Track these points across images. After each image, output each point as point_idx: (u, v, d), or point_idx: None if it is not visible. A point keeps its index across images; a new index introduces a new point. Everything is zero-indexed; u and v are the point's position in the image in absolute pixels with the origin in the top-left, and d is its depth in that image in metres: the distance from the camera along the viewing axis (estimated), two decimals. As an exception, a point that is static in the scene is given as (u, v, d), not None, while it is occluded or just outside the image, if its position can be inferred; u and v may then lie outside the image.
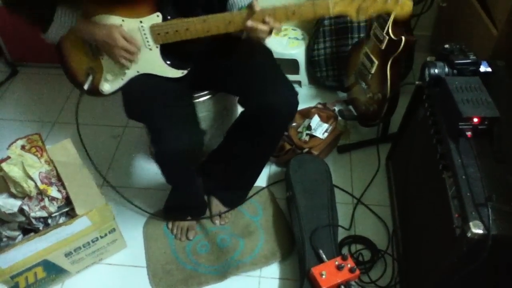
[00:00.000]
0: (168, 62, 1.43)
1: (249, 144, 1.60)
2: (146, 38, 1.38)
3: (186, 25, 1.32)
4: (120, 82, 1.47)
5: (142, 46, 1.39)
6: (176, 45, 1.38)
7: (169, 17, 1.34)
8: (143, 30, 1.36)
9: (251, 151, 1.64)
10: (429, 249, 1.35)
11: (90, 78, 1.45)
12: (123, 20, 1.35)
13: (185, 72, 1.45)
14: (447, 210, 1.17)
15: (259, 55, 1.55)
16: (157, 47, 1.40)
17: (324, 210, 1.65)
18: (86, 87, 1.45)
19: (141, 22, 1.35)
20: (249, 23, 1.26)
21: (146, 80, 1.45)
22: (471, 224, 1.05)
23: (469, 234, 1.04)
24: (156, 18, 1.34)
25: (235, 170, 1.72)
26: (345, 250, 1.67)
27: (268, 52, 1.57)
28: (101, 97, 1.53)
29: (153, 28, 1.36)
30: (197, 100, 1.67)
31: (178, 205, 1.77)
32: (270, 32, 1.29)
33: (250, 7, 1.27)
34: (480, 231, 1.04)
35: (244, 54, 1.53)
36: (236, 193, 1.83)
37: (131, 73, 1.45)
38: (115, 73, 1.46)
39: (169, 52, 1.42)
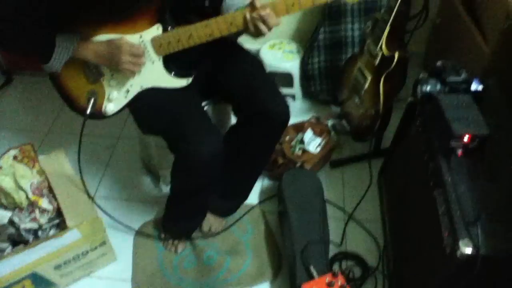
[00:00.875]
0: (173, 73, 1.43)
1: (243, 153, 1.61)
2: (148, 51, 1.38)
3: (188, 32, 1.32)
4: (124, 100, 1.47)
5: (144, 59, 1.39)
6: (178, 54, 1.38)
7: (169, 28, 1.35)
8: (144, 44, 1.36)
9: (245, 160, 1.65)
10: (420, 267, 1.35)
11: (92, 101, 1.44)
12: (122, 37, 1.35)
13: (190, 79, 1.45)
14: (438, 227, 1.17)
15: (251, 66, 1.56)
16: (159, 59, 1.40)
17: (315, 225, 1.64)
18: (88, 111, 1.43)
19: (141, 36, 1.35)
20: (250, 15, 1.27)
21: (153, 93, 1.45)
22: (460, 243, 1.05)
23: (458, 253, 1.04)
24: (156, 30, 1.35)
25: (230, 179, 1.71)
26: (336, 267, 1.66)
27: (259, 63, 1.59)
28: (103, 119, 1.51)
29: (154, 40, 1.36)
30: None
31: (179, 218, 1.72)
32: (270, 27, 1.29)
33: (251, 4, 1.27)
34: (470, 251, 1.03)
35: (236, 64, 1.54)
36: (229, 202, 1.82)
37: (135, 89, 1.45)
38: (118, 92, 1.45)
39: (172, 62, 1.42)
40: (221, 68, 1.53)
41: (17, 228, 1.53)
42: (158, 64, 1.40)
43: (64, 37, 1.32)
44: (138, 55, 1.35)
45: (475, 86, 1.37)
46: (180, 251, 1.73)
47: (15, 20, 1.25)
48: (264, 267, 1.67)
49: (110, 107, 1.48)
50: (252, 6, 1.27)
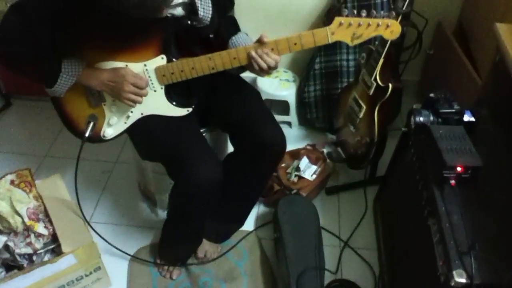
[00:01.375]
0: (174, 103, 1.45)
1: (240, 180, 1.63)
2: (151, 80, 1.41)
3: (192, 64, 1.36)
4: (123, 126, 1.49)
5: (146, 88, 1.41)
6: (180, 84, 1.41)
7: (174, 59, 1.38)
8: (148, 72, 1.39)
9: (241, 187, 1.66)
10: (415, 295, 1.35)
11: (91, 125, 1.45)
12: (126, 65, 1.38)
13: (191, 109, 1.47)
14: (432, 256, 1.18)
15: (248, 96, 1.59)
16: (161, 88, 1.43)
17: (311, 253, 1.65)
18: (87, 134, 1.45)
19: (145, 65, 1.38)
20: (255, 51, 1.31)
21: (152, 120, 1.47)
22: (454, 273, 1.06)
23: (452, 283, 1.05)
24: (160, 60, 1.38)
25: (226, 205, 1.72)
26: (331, 294, 1.66)
27: (257, 93, 1.62)
28: (101, 143, 1.53)
29: (158, 70, 1.38)
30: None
31: (175, 244, 1.72)
32: (271, 66, 1.34)
33: (259, 40, 1.32)
34: (463, 280, 1.05)
35: (234, 94, 1.57)
36: (225, 228, 1.83)
37: (135, 115, 1.47)
38: (118, 117, 1.48)
39: (173, 91, 1.45)
40: (218, 98, 1.56)
41: (12, 253, 1.52)
42: (160, 93, 1.43)
43: (70, 63, 1.35)
44: (141, 87, 1.38)
45: (468, 117, 1.40)
46: (176, 277, 1.72)
47: (21, 44, 1.27)
48: (259, 294, 1.67)
49: (109, 132, 1.50)
50: (259, 42, 1.32)
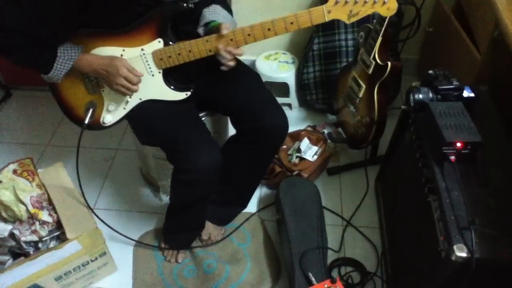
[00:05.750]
0: (172, 87, 1.45)
1: (242, 163, 1.64)
2: (148, 64, 1.40)
3: (188, 47, 1.35)
4: (122, 112, 1.49)
5: (144, 73, 1.41)
6: (178, 68, 1.41)
7: (170, 43, 1.37)
8: (145, 57, 1.39)
9: (244, 170, 1.67)
10: (417, 271, 1.37)
11: (90, 112, 1.45)
12: (123, 50, 1.38)
13: (189, 93, 1.47)
14: (433, 232, 1.19)
15: (249, 79, 1.59)
16: (159, 72, 1.43)
17: (313, 233, 1.66)
18: (87, 121, 1.45)
19: (142, 49, 1.38)
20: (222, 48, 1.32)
21: (151, 105, 1.47)
22: (455, 247, 1.07)
23: (453, 257, 1.06)
24: (157, 44, 1.37)
25: (228, 188, 1.73)
26: (334, 273, 1.68)
27: (257, 76, 1.61)
28: (101, 130, 1.53)
29: (155, 54, 1.38)
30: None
31: (179, 229, 1.74)
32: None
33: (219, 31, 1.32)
34: (464, 255, 1.05)
35: (234, 78, 1.56)
36: (228, 211, 1.84)
37: (133, 101, 1.47)
38: (117, 103, 1.48)
39: (171, 76, 1.45)
40: (219, 82, 1.55)
41: (18, 241, 1.54)
42: (158, 77, 1.43)
43: (66, 48, 1.34)
44: (132, 82, 1.38)
45: (467, 94, 1.40)
46: (181, 260, 1.74)
47: (16, 30, 1.27)
48: (264, 274, 1.69)
49: (109, 118, 1.50)
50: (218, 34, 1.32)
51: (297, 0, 2.21)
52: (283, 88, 2.30)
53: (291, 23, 1.30)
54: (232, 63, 1.37)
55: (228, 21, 1.43)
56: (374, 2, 1.26)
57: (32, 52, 1.33)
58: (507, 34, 1.35)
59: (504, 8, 1.44)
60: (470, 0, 1.90)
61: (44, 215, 1.56)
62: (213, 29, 1.39)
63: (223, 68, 1.38)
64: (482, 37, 1.70)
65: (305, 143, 2.01)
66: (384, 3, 1.27)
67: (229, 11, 1.52)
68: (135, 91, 1.41)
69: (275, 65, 2.29)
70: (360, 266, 1.69)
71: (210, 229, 1.79)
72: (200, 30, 1.43)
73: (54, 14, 1.27)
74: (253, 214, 1.89)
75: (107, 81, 1.40)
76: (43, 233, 1.56)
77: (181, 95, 1.46)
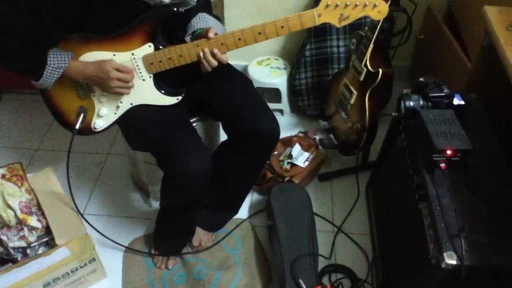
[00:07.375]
0: (163, 91, 1.45)
1: (234, 169, 1.64)
2: (139, 69, 1.40)
3: (179, 51, 1.35)
4: (113, 117, 1.48)
5: (135, 77, 1.41)
6: (169, 73, 1.40)
7: (161, 47, 1.37)
8: (135, 61, 1.38)
9: (235, 176, 1.67)
10: (408, 278, 1.37)
11: (81, 117, 1.44)
12: (114, 55, 1.37)
13: (180, 98, 1.46)
14: (424, 240, 1.19)
15: (240, 84, 1.58)
16: (150, 77, 1.42)
17: (304, 239, 1.66)
18: (78, 126, 1.44)
19: (133, 54, 1.37)
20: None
21: (142, 110, 1.46)
22: (445, 254, 1.07)
23: (443, 265, 1.06)
24: (148, 48, 1.37)
25: (220, 193, 1.73)
26: (325, 279, 1.68)
27: (249, 81, 1.61)
28: (92, 135, 1.52)
29: (146, 58, 1.37)
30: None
31: (169, 235, 1.73)
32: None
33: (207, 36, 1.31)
34: (454, 262, 1.06)
35: (226, 83, 1.56)
36: (219, 216, 1.83)
37: (124, 106, 1.46)
38: (108, 108, 1.47)
39: (162, 80, 1.44)
40: (210, 87, 1.55)
41: (5, 247, 1.52)
42: (149, 81, 1.42)
43: (56, 55, 1.33)
44: (126, 80, 1.38)
45: (457, 101, 1.41)
46: (171, 267, 1.73)
47: (8, 33, 1.25)
48: (254, 280, 1.68)
49: (100, 123, 1.49)
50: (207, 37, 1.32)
51: (290, 6, 2.22)
52: (275, 94, 2.31)
53: (282, 27, 1.30)
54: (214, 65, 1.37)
55: (217, 27, 1.43)
56: (365, 5, 1.26)
57: (21, 60, 1.32)
58: (497, 43, 1.36)
59: (494, 17, 1.45)
60: (461, 8, 1.92)
61: (33, 221, 1.55)
62: (200, 35, 1.38)
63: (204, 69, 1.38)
64: (472, 45, 1.71)
65: (296, 149, 2.01)
66: (374, 6, 1.27)
67: (217, 18, 1.52)
68: (132, 87, 1.41)
69: (267, 71, 2.29)
70: (350, 273, 1.69)
71: (201, 235, 1.78)
72: (188, 39, 1.42)
73: (48, 16, 1.26)
74: (244, 220, 1.89)
75: (102, 86, 1.40)
76: (32, 238, 1.54)
77: (172, 100, 1.46)
